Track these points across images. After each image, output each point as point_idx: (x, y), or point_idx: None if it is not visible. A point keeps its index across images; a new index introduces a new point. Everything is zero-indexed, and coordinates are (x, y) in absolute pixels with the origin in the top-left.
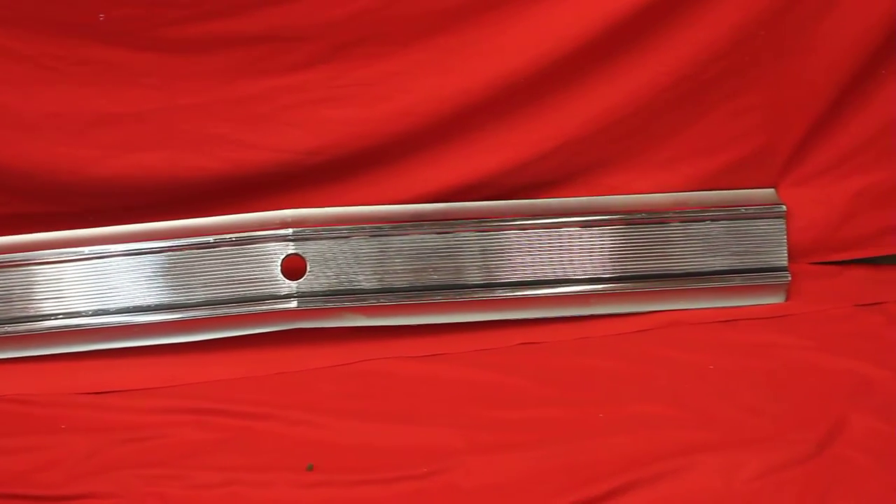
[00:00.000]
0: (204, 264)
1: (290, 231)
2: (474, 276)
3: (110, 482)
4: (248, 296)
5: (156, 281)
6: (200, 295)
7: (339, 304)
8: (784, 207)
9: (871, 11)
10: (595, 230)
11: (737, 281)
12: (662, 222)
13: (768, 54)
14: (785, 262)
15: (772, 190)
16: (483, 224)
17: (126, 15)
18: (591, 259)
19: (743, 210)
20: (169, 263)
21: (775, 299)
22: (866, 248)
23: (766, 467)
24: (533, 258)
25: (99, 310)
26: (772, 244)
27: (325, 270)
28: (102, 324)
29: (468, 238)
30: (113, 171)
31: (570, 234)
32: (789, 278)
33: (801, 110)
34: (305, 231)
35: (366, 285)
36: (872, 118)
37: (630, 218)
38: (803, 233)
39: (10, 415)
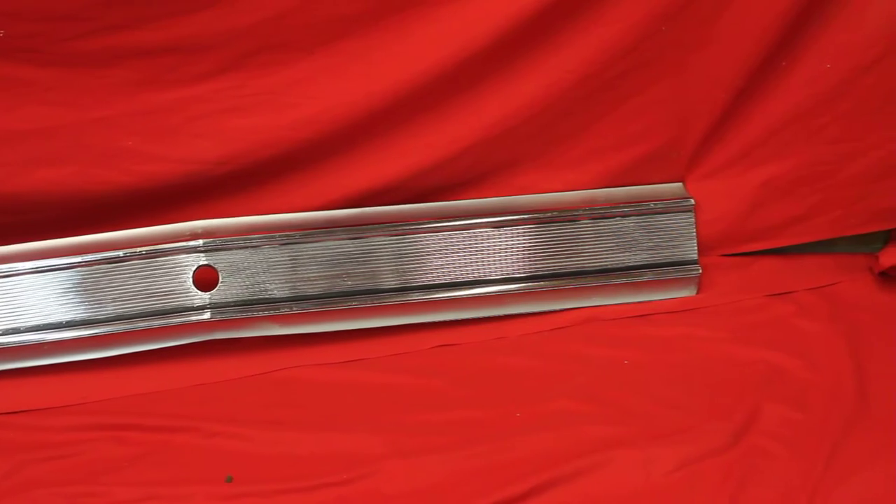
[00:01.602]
0: (115, 279)
1: (200, 242)
2: (389, 281)
3: (29, 502)
4: (162, 309)
5: (67, 297)
6: (113, 310)
7: (253, 314)
8: (692, 201)
9: (771, 3)
10: (507, 230)
11: (649, 276)
12: (573, 220)
13: (671, 49)
14: (695, 256)
15: (680, 184)
16: (395, 228)
17: (28, 31)
18: (504, 259)
19: (652, 205)
20: (80, 279)
21: (687, 292)
22: (775, 239)
23: (683, 459)
24: (447, 260)
25: (9, 329)
26: (682, 238)
27: (238, 280)
28: (14, 343)
29: (381, 243)
30: (20, 188)
31: (483, 236)
32: (700, 271)
33: (705, 104)
34: (216, 241)
35: (279, 294)
36: (775, 109)
37: (541, 217)
38: (712, 225)
39: None
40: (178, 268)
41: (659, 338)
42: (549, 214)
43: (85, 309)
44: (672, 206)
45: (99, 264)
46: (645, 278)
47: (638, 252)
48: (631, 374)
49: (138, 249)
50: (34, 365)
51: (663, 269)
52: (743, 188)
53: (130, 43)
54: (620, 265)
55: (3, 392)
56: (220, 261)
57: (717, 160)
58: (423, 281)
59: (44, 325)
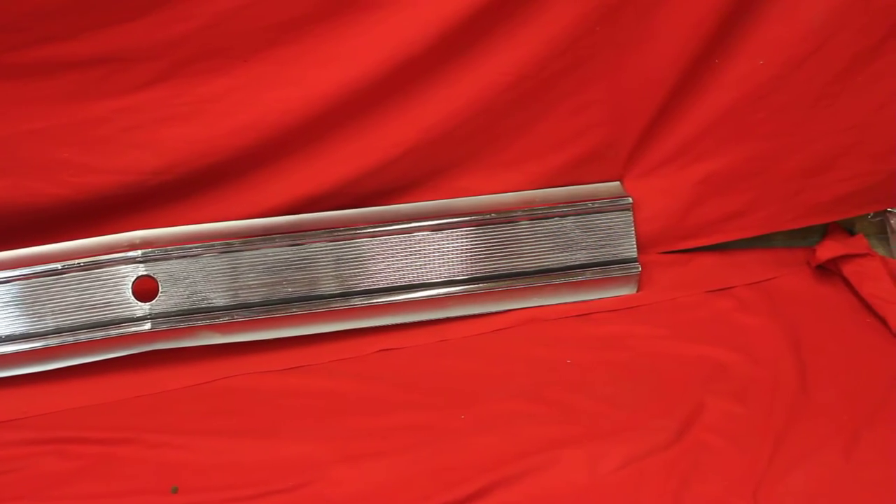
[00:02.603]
0: (54, 292)
1: (139, 253)
2: (329, 287)
3: None
4: (102, 321)
5: (6, 311)
6: (52, 323)
7: (193, 323)
8: (630, 199)
9: (704, 1)
10: (446, 233)
11: (589, 275)
12: (512, 221)
13: (606, 49)
14: (635, 254)
15: (617, 183)
16: (335, 234)
17: None
18: (445, 262)
19: (590, 205)
20: (18, 293)
21: (627, 290)
22: (713, 235)
23: (628, 457)
24: (387, 265)
25: None
26: (621, 236)
27: (178, 290)
28: None
29: (321, 249)
30: None
31: (423, 239)
32: (640, 269)
33: (641, 102)
34: (155, 252)
35: (219, 302)
36: (710, 106)
37: (480, 219)
38: (651, 223)
39: None
40: (117, 279)
41: (600, 336)
42: (488, 216)
43: (24, 322)
44: (610, 205)
45: (37, 277)
46: (585, 277)
47: (577, 251)
48: (573, 373)
49: (76, 261)
50: None
51: (603, 268)
52: (680, 185)
53: (63, 54)
54: (560, 265)
55: None
56: (159, 271)
57: (655, 158)
58: (363, 286)
59: None
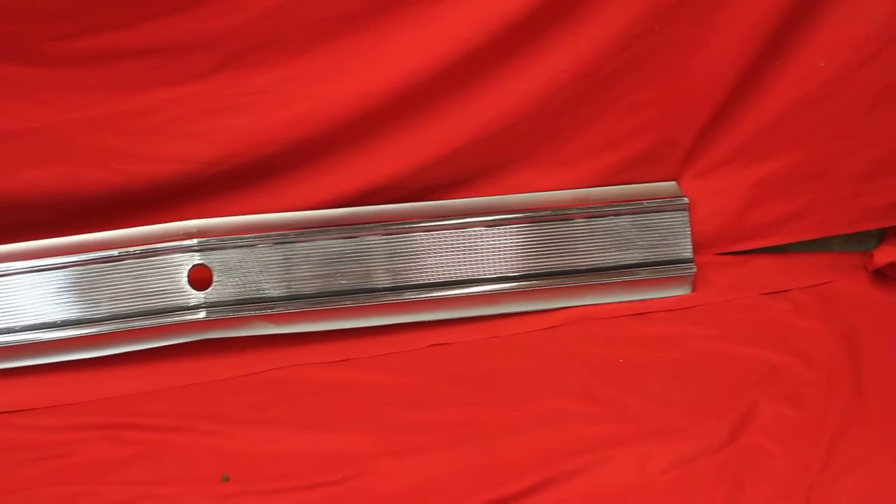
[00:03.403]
0: (110, 278)
1: (194, 241)
2: (382, 280)
3: (23, 501)
4: (156, 308)
5: (62, 297)
6: (107, 309)
7: (247, 313)
8: (686, 199)
9: (765, 2)
10: (501, 229)
11: (643, 274)
12: (567, 219)
13: (665, 48)
14: (690, 254)
15: (673, 183)
16: (389, 227)
17: (15, 31)
18: (498, 258)
19: (646, 204)
20: (74, 279)
21: (682, 291)
22: (769, 237)
23: (679, 458)
24: (440, 259)
25: (4, 328)
26: (676, 236)
27: (232, 279)
28: (8, 342)
29: (375, 242)
30: (10, 188)
31: (477, 235)
32: (695, 269)
33: (699, 102)
34: (210, 241)
35: (273, 293)
36: (768, 108)
37: (535, 216)
38: (707, 224)
39: None
40: (172, 267)
41: (653, 336)
42: (543, 213)
43: (80, 308)
44: (666, 205)
45: (93, 264)
46: (639, 277)
47: (632, 251)
48: (626, 372)
49: (133, 249)
50: (29, 364)
51: (658, 268)
52: (737, 187)
53: (118, 43)
54: (614, 264)
55: None
56: (214, 260)
57: (711, 159)
58: (416, 280)
59: (39, 324)
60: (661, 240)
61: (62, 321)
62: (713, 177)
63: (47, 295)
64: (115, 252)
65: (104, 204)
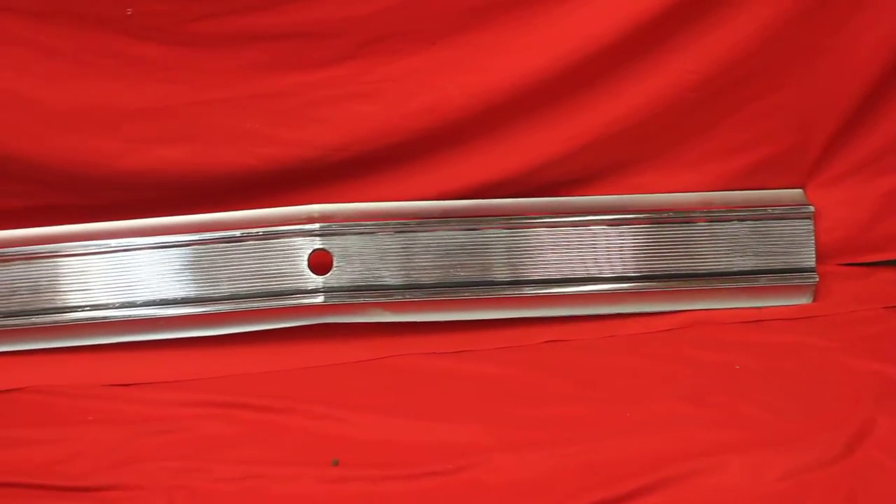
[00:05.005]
0: (230, 258)
1: (316, 226)
2: (501, 274)
3: (135, 474)
4: (275, 290)
5: (182, 274)
6: (226, 289)
7: (365, 300)
8: (812, 208)
9: None
10: (622, 229)
11: (763, 281)
12: (689, 222)
13: (797, 54)
14: (813, 263)
15: (800, 190)
16: (510, 221)
17: (154, 10)
18: (618, 257)
19: (770, 210)
20: (195, 257)
21: (803, 300)
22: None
23: (792, 468)
24: (560, 256)
25: (125, 302)
26: (799, 245)
27: (352, 265)
28: (128, 316)
29: (495, 235)
30: (140, 165)
31: (598, 233)
32: (817, 279)
33: (829, 110)
34: (332, 226)
35: (392, 281)
36: None
37: (657, 217)
38: (831, 233)
39: (37, 405)
40: (293, 250)
41: (771, 344)
42: (665, 215)
43: (200, 287)
44: (791, 213)
45: (215, 243)
46: (759, 283)
47: (753, 257)
48: (741, 379)
49: (255, 230)
50: (148, 339)
51: (778, 276)
52: (865, 197)
53: (253, 26)
54: (735, 269)
55: (116, 364)
56: (334, 245)
57: (839, 168)
58: (536, 275)
59: (159, 300)
60: (784, 247)
61: (182, 298)
62: (840, 186)
63: (168, 272)
64: (237, 233)
65: (231, 185)
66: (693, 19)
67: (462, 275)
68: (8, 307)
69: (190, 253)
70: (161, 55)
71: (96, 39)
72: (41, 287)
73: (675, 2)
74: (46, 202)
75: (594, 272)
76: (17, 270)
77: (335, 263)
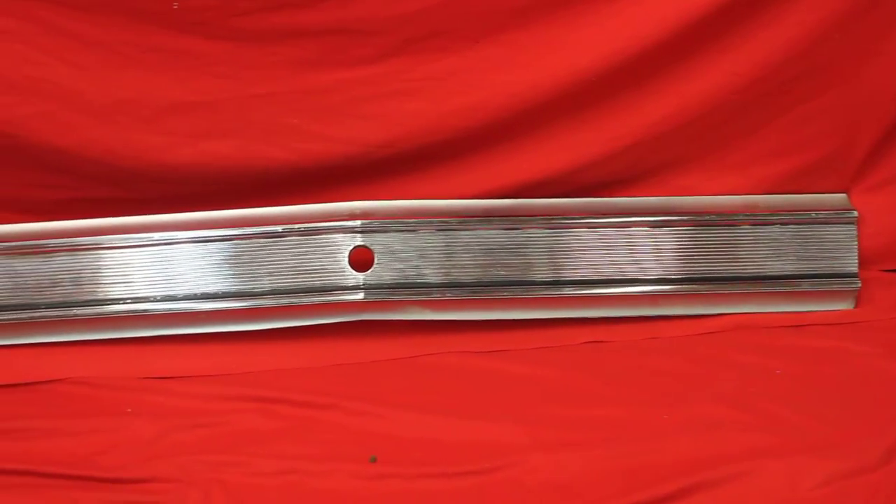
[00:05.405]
0: (271, 253)
1: (358, 223)
2: (542, 274)
3: (173, 467)
4: (315, 286)
5: (223, 269)
6: (267, 284)
7: (404, 297)
8: (856, 213)
9: None
10: (664, 230)
11: (805, 286)
12: (732, 225)
13: (844, 57)
14: (856, 269)
15: (844, 195)
16: (552, 221)
17: (200, 4)
18: (659, 259)
19: (814, 215)
20: (236, 251)
21: (845, 305)
22: None
23: (831, 475)
24: (601, 257)
25: (166, 296)
26: (842, 250)
27: (392, 263)
28: (169, 309)
29: (537, 235)
30: (183, 159)
31: (640, 234)
32: (860, 285)
33: (875, 115)
34: (373, 223)
35: (432, 279)
36: None
37: (700, 219)
38: (875, 239)
39: (77, 397)
40: (334, 247)
41: (812, 349)
42: (709, 217)
43: (240, 281)
44: (834, 217)
45: (256, 238)
46: (801, 288)
47: (795, 261)
48: (781, 383)
49: (296, 226)
50: (188, 333)
51: (821, 280)
52: None
53: (299, 22)
54: (777, 273)
55: (155, 357)
56: (375, 242)
57: (884, 173)
58: (576, 276)
59: (199, 294)
60: (826, 252)
61: (222, 292)
62: (885, 192)
63: (209, 266)
64: (278, 228)
65: (274, 180)
66: (742, 20)
67: (502, 274)
68: (50, 298)
69: (231, 247)
70: (205, 49)
71: (141, 32)
72: (83, 279)
73: (724, 2)
74: (88, 195)
75: (635, 274)
76: (60, 262)
77: (376, 260)
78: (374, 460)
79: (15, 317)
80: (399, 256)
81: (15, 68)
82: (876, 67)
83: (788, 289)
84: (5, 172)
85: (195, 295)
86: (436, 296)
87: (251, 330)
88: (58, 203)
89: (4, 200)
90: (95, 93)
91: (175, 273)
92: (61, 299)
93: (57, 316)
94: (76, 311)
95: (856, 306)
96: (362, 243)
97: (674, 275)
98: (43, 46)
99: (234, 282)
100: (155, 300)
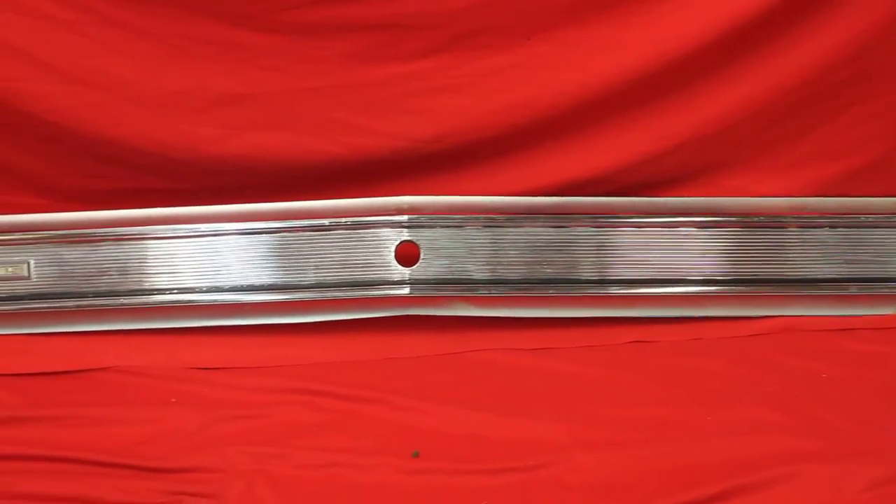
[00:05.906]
0: (317, 247)
1: (404, 218)
2: (588, 272)
3: (217, 458)
4: (361, 280)
5: (269, 261)
6: (313, 277)
7: (450, 293)
8: None
9: None
10: (712, 231)
11: (854, 290)
12: (780, 227)
13: (894, 62)
14: None
15: (893, 199)
16: (598, 220)
17: None
18: (706, 260)
19: (863, 218)
20: (283, 244)
21: (892, 310)
22: None
23: (876, 479)
24: (648, 256)
25: (212, 287)
26: (891, 254)
27: (438, 259)
28: (215, 301)
29: (583, 233)
30: (232, 150)
31: (687, 234)
32: None
33: None
34: (420, 218)
35: (478, 275)
36: None
37: (747, 221)
38: None
39: (121, 386)
40: (380, 241)
41: (860, 353)
42: (757, 219)
43: (286, 274)
44: (884, 221)
45: (303, 231)
46: (849, 292)
47: (844, 264)
48: (827, 387)
49: (343, 220)
50: (233, 324)
51: (870, 285)
52: None
53: (348, 16)
54: (824, 276)
55: (201, 348)
56: (422, 237)
57: None
58: (622, 275)
59: (245, 286)
60: (876, 256)
61: (268, 285)
62: None
63: (255, 258)
64: (325, 221)
65: (322, 173)
66: (790, 23)
67: (548, 272)
68: (97, 287)
69: (277, 240)
70: (255, 42)
71: (192, 24)
72: (129, 269)
73: (776, 4)
74: (137, 185)
75: (681, 274)
76: (107, 251)
77: (422, 256)
78: (416, 455)
79: (62, 305)
80: (445, 252)
81: (70, 59)
82: None
83: (836, 292)
84: (57, 162)
85: (241, 286)
86: (481, 292)
87: (296, 323)
88: (107, 193)
89: (55, 189)
90: (147, 84)
91: (221, 264)
92: (108, 288)
93: (103, 305)
94: (122, 300)
95: None
96: (409, 238)
97: (720, 276)
98: (98, 38)
99: (280, 274)
100: (201, 291)
